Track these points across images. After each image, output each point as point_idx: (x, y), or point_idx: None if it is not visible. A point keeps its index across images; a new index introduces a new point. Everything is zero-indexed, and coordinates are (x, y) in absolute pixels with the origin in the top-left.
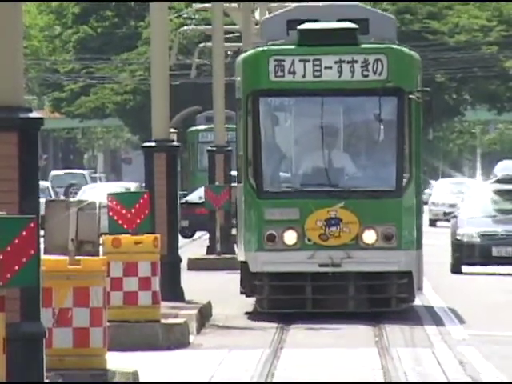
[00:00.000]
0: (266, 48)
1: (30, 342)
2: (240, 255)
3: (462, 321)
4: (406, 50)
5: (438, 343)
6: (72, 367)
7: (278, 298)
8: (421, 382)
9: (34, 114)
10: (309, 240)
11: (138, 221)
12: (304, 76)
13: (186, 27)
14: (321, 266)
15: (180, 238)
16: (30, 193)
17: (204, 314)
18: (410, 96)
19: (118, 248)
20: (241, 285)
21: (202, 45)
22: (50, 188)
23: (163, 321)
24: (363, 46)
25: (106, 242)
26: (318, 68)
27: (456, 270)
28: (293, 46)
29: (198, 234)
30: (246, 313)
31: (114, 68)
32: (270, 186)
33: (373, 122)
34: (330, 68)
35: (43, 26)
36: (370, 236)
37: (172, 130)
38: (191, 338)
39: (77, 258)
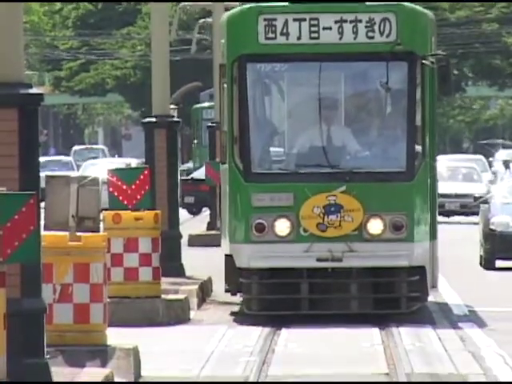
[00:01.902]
0: (254, 5)
1: (31, 317)
2: (224, 248)
3: (464, 299)
4: (418, 8)
5: (439, 319)
6: (72, 343)
7: (269, 298)
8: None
9: (34, 90)
10: (304, 230)
11: (139, 197)
12: (299, 38)
13: (186, 2)
14: (318, 260)
15: (185, 213)
16: (30, 169)
17: (204, 290)
18: (423, 61)
19: (118, 224)
20: (226, 282)
21: (202, 20)
22: (73, 162)
23: (164, 296)
24: (368, 2)
25: (107, 217)
26: (315, 29)
27: (488, 264)
28: (286, 3)
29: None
30: (232, 313)
31: (115, 43)
32: (258, 168)
33: (379, 91)
34: (330, 28)
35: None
36: (375, 225)
37: (172, 106)
38: (192, 314)
39: (77, 234)
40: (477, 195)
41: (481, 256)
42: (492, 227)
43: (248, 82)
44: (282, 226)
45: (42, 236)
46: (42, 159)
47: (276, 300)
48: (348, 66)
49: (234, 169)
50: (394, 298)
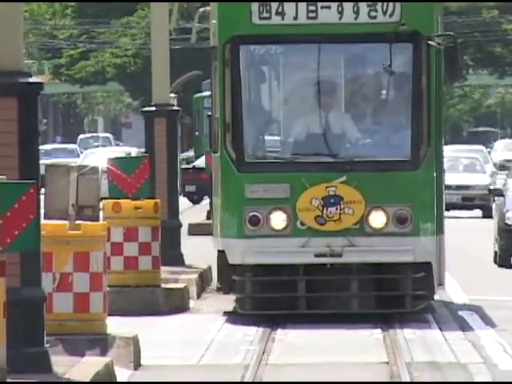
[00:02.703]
0: None
1: (31, 306)
2: (216, 243)
3: (463, 287)
4: None
5: (439, 308)
6: (72, 332)
7: (264, 297)
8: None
9: (33, 79)
10: (302, 224)
11: (138, 186)
12: (296, 18)
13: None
14: (317, 256)
15: (186, 202)
16: (30, 158)
17: (204, 279)
18: (429, 42)
19: (118, 213)
20: (218, 279)
21: (202, 9)
22: (79, 150)
23: (163, 285)
24: None
25: (107, 206)
26: (313, 8)
27: (503, 262)
28: None
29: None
30: (225, 312)
31: (115, 32)
32: (252, 157)
33: (382, 75)
34: (329, 8)
35: None
36: (378, 218)
37: (172, 95)
38: (191, 303)
39: (77, 222)
40: (492, 187)
41: (495, 252)
42: (508, 222)
43: (241, 65)
44: (278, 219)
45: (42, 225)
46: (48, 147)
47: (271, 299)
48: (348, 47)
49: (226, 158)
50: (397, 296)
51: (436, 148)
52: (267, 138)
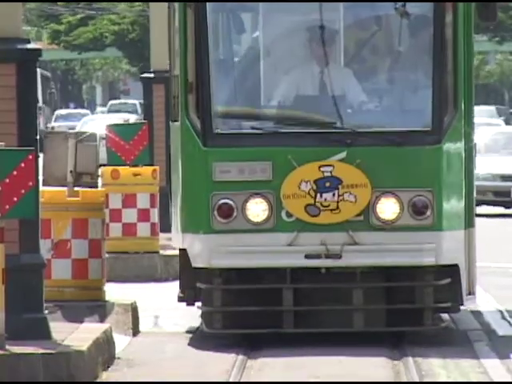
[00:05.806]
0: None
1: (29, 273)
2: (176, 240)
3: None
4: None
5: None
6: (71, 298)
7: (238, 311)
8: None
9: (32, 45)
10: (288, 215)
11: (137, 152)
12: None
13: None
14: (308, 257)
15: None
16: (28, 124)
17: None
18: None
19: (116, 180)
20: (180, 286)
21: None
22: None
23: (162, 252)
24: None
25: (105, 173)
26: None
27: None
28: None
29: None
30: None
31: None
32: (223, 126)
33: (394, 20)
34: None
35: None
36: (388, 207)
37: None
38: None
39: (76, 189)
40: None
41: None
42: None
43: (208, 7)
44: (257, 209)
45: (41, 192)
46: (63, 111)
47: (247, 313)
48: None
49: (189, 128)
50: (415, 310)
51: (465, 114)
52: (242, 101)
